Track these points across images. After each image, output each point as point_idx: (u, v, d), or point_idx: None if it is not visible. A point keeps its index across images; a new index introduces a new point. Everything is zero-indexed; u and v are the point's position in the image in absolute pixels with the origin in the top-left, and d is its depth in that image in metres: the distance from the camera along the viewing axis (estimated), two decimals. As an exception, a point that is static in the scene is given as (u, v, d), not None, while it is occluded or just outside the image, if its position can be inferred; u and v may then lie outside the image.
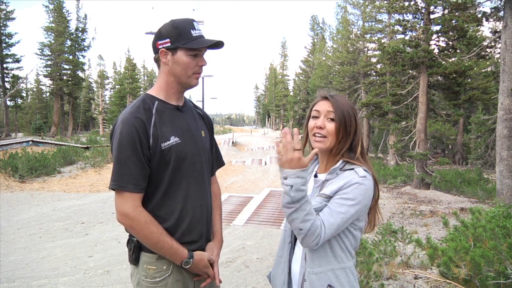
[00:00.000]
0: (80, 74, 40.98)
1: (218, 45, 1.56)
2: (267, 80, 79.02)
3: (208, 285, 1.67)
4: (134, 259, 1.53)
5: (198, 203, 1.60)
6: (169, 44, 1.50)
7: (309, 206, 1.27)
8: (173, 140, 1.52)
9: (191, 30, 1.50)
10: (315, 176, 1.54)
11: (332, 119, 1.43)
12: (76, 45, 36.96)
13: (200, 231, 1.61)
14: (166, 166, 1.50)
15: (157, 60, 1.57)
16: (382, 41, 18.34)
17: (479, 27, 13.84)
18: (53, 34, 35.05)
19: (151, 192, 1.51)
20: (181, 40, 1.49)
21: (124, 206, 1.43)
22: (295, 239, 1.56)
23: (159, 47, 1.53)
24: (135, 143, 1.43)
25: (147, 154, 1.46)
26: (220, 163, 1.89)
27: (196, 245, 1.59)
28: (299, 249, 1.50)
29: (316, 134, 1.44)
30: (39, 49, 35.41)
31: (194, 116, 1.70)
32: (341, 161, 1.44)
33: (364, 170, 1.39)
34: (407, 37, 13.71)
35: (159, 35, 1.53)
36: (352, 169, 1.39)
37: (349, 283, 1.38)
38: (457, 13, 11.91)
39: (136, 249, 1.52)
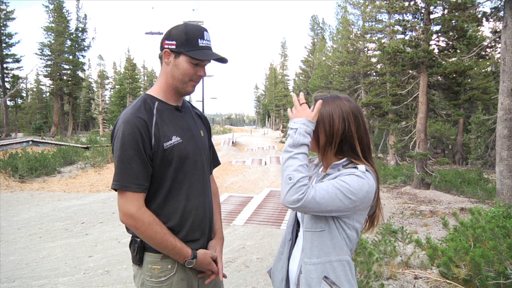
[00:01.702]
0: (80, 74, 41.00)
1: (221, 60, 1.57)
2: (267, 80, 78.98)
3: (212, 282, 1.68)
4: (138, 260, 1.53)
5: (201, 202, 1.61)
6: (174, 47, 1.51)
7: (306, 161, 1.31)
8: (175, 139, 1.53)
9: (199, 39, 1.51)
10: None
11: None
12: (76, 45, 36.94)
13: (203, 229, 1.63)
14: (169, 165, 1.51)
15: (161, 58, 1.58)
16: (382, 41, 18.32)
17: (479, 27, 13.83)
18: (53, 34, 35.04)
19: (154, 191, 1.52)
20: (186, 47, 1.49)
21: (127, 207, 1.43)
22: (296, 237, 1.57)
23: (165, 46, 1.54)
24: (138, 143, 1.43)
25: (149, 154, 1.47)
26: (216, 162, 1.91)
27: (199, 243, 1.60)
28: (297, 248, 1.51)
29: None
30: (39, 49, 35.41)
31: (193, 116, 1.72)
32: (345, 158, 1.43)
33: (366, 169, 1.38)
34: (407, 37, 13.70)
35: (168, 35, 1.54)
36: (355, 167, 1.39)
37: (345, 276, 1.37)
38: (457, 13, 11.90)
39: (140, 250, 1.52)
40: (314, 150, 1.50)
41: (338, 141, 1.42)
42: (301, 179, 1.27)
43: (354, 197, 1.29)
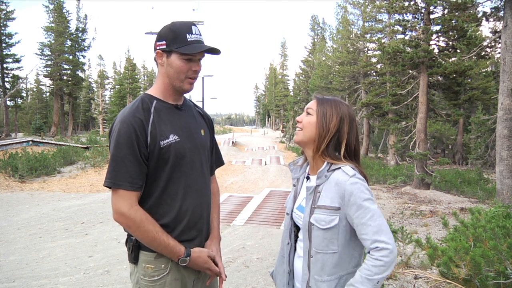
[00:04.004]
0: (80, 74, 41.03)
1: (213, 51, 1.56)
2: (267, 80, 79.03)
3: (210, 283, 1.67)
4: (133, 258, 1.53)
5: (197, 201, 1.60)
6: (164, 47, 1.51)
7: (356, 285, 1.29)
8: (172, 138, 1.52)
9: (187, 34, 1.50)
10: (307, 178, 1.55)
11: (308, 113, 1.50)
12: (76, 45, 36.97)
13: (200, 229, 1.62)
14: (165, 163, 1.51)
15: (156, 60, 1.59)
16: (382, 41, 18.32)
17: (479, 27, 13.83)
18: (53, 34, 35.07)
19: (150, 189, 1.51)
20: (176, 44, 1.49)
21: (119, 205, 1.43)
22: (295, 241, 1.57)
23: (157, 48, 1.54)
24: (133, 141, 1.43)
25: (144, 152, 1.47)
26: (219, 162, 1.90)
27: (195, 243, 1.59)
28: (301, 249, 1.51)
29: (296, 127, 1.53)
30: (39, 49, 35.45)
31: (194, 115, 1.71)
32: (326, 162, 1.45)
33: (352, 168, 1.41)
34: (407, 37, 13.70)
35: (158, 36, 1.55)
36: (339, 168, 1.41)
37: None
38: (457, 13, 11.91)
39: (135, 248, 1.52)
40: (308, 147, 1.51)
41: (329, 139, 1.45)
42: (387, 269, 1.27)
43: (373, 197, 1.38)
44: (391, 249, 1.26)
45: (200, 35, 1.55)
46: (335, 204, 1.37)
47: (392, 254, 1.26)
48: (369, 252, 1.30)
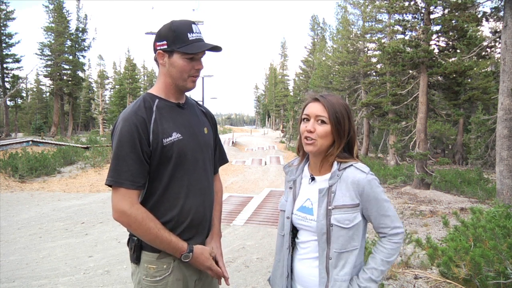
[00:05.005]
0: (80, 74, 41.00)
1: (215, 49, 1.56)
2: (267, 80, 79.02)
3: (208, 284, 1.66)
4: (135, 258, 1.53)
5: (200, 200, 1.60)
6: (165, 47, 1.51)
7: (379, 268, 1.42)
8: (175, 136, 1.52)
9: (188, 33, 1.49)
10: (313, 178, 1.51)
11: (323, 121, 1.41)
12: (76, 45, 36.97)
13: (202, 228, 1.62)
14: (168, 162, 1.51)
15: (156, 60, 1.58)
16: (382, 41, 18.30)
17: (479, 27, 13.81)
18: (53, 34, 35.07)
19: (152, 188, 1.51)
20: (177, 44, 1.48)
21: (120, 203, 1.42)
22: (293, 244, 1.56)
23: (157, 48, 1.53)
24: (135, 140, 1.43)
25: (146, 151, 1.46)
26: (223, 160, 1.89)
27: (196, 242, 1.59)
28: (306, 250, 1.49)
29: (307, 138, 1.43)
30: (39, 49, 35.46)
31: (196, 113, 1.70)
32: (335, 163, 1.44)
33: (364, 164, 1.43)
34: (407, 37, 13.69)
35: (158, 36, 1.54)
36: (350, 165, 1.41)
37: None
38: (457, 13, 11.90)
39: (137, 248, 1.52)
40: (321, 154, 1.46)
41: (345, 142, 1.45)
42: (395, 253, 1.43)
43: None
44: (403, 231, 1.41)
45: (200, 33, 1.55)
46: (356, 201, 1.39)
47: (403, 235, 1.42)
48: (384, 237, 1.42)
